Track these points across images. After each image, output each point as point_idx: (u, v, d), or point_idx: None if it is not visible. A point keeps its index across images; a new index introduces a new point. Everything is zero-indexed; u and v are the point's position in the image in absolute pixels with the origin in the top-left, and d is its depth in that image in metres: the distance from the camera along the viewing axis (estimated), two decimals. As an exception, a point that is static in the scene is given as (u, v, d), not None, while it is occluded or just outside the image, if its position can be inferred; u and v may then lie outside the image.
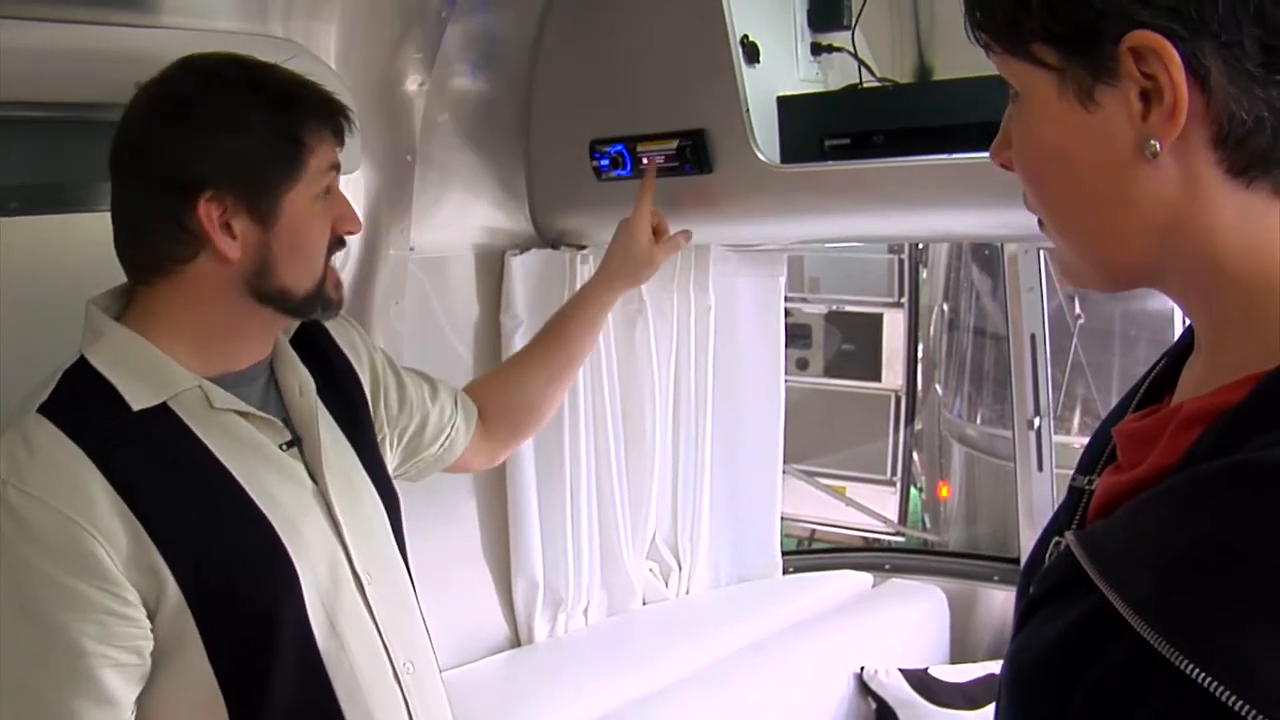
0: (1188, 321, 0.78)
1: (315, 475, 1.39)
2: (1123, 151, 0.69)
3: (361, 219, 2.00)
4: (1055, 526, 0.83)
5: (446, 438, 1.75)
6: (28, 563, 1.18)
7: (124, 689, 1.22)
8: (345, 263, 2.02)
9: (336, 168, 1.37)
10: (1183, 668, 0.56)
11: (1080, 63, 0.69)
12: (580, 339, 1.89)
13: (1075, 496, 0.82)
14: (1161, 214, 0.70)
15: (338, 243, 1.39)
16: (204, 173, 1.28)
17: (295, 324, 1.49)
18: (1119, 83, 0.68)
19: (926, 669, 2.59)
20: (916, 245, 4.71)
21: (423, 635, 1.49)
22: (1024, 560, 2.73)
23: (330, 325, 1.56)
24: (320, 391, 1.46)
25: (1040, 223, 0.79)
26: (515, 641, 2.42)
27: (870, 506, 4.96)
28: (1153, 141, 0.67)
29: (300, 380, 1.44)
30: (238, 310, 1.34)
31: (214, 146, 1.28)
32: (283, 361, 1.44)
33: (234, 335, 1.36)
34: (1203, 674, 0.55)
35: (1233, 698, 0.54)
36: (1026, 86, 0.74)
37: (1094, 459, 0.83)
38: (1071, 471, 0.86)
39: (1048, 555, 0.80)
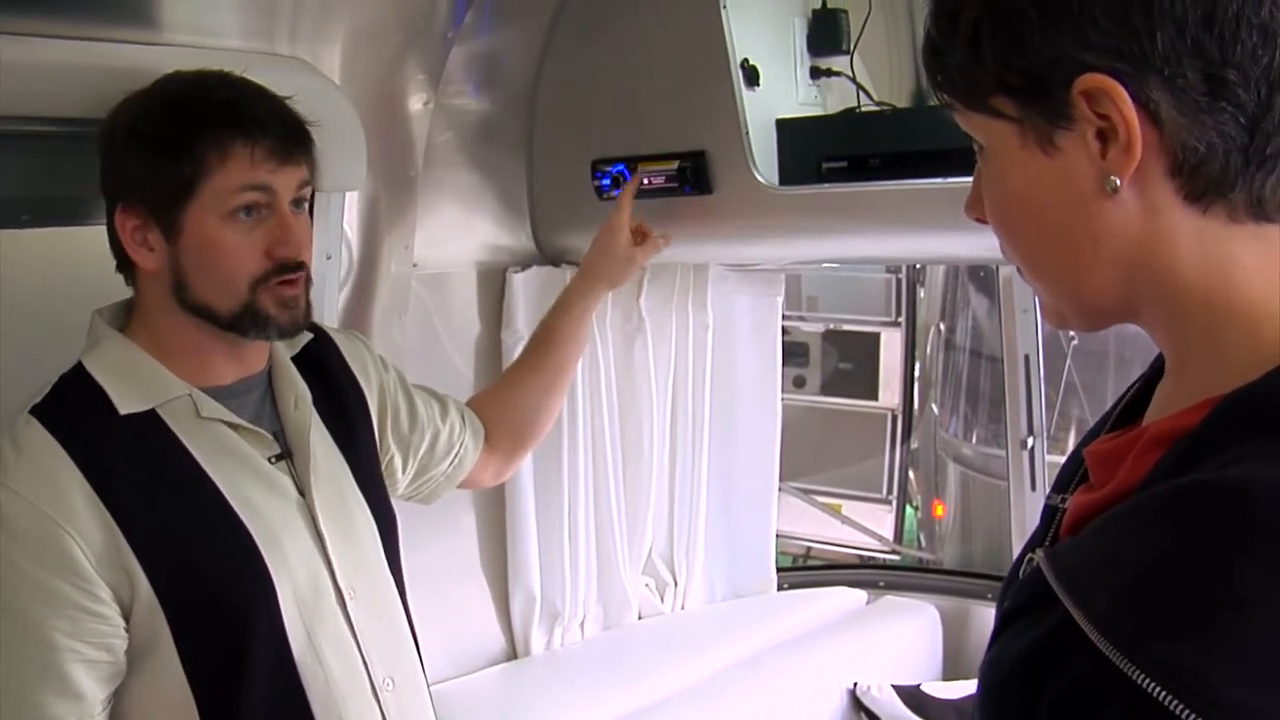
0: None
1: (303, 489, 1.40)
2: (1086, 190, 0.71)
3: (363, 236, 2.06)
4: (1030, 544, 0.86)
5: (456, 455, 1.76)
6: (7, 557, 1.22)
7: (93, 685, 1.25)
8: (347, 279, 2.04)
9: (262, 189, 1.32)
10: (1136, 680, 0.59)
11: (1037, 110, 0.72)
12: (568, 344, 1.90)
13: (1050, 514, 0.84)
14: (1126, 247, 0.72)
15: (281, 266, 1.34)
16: (115, 186, 1.34)
17: (299, 339, 1.50)
18: (1075, 126, 0.70)
19: (919, 685, 2.61)
20: (914, 265, 4.73)
21: (408, 653, 1.50)
22: (1015, 578, 2.76)
23: (341, 343, 1.59)
24: (319, 407, 1.47)
25: (1019, 270, 0.81)
26: (511, 654, 2.43)
27: (866, 525, 4.97)
28: (1112, 178, 0.70)
29: (296, 394, 1.45)
30: (191, 323, 1.35)
31: (119, 160, 1.34)
32: (280, 375, 1.46)
33: (205, 349, 1.37)
34: (1155, 686, 0.58)
35: (1183, 709, 0.57)
36: (989, 139, 0.76)
37: (1068, 478, 0.85)
38: (1059, 491, 0.88)
39: (1021, 571, 0.83)
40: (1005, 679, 0.71)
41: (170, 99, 1.33)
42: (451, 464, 1.76)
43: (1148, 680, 0.58)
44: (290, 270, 1.35)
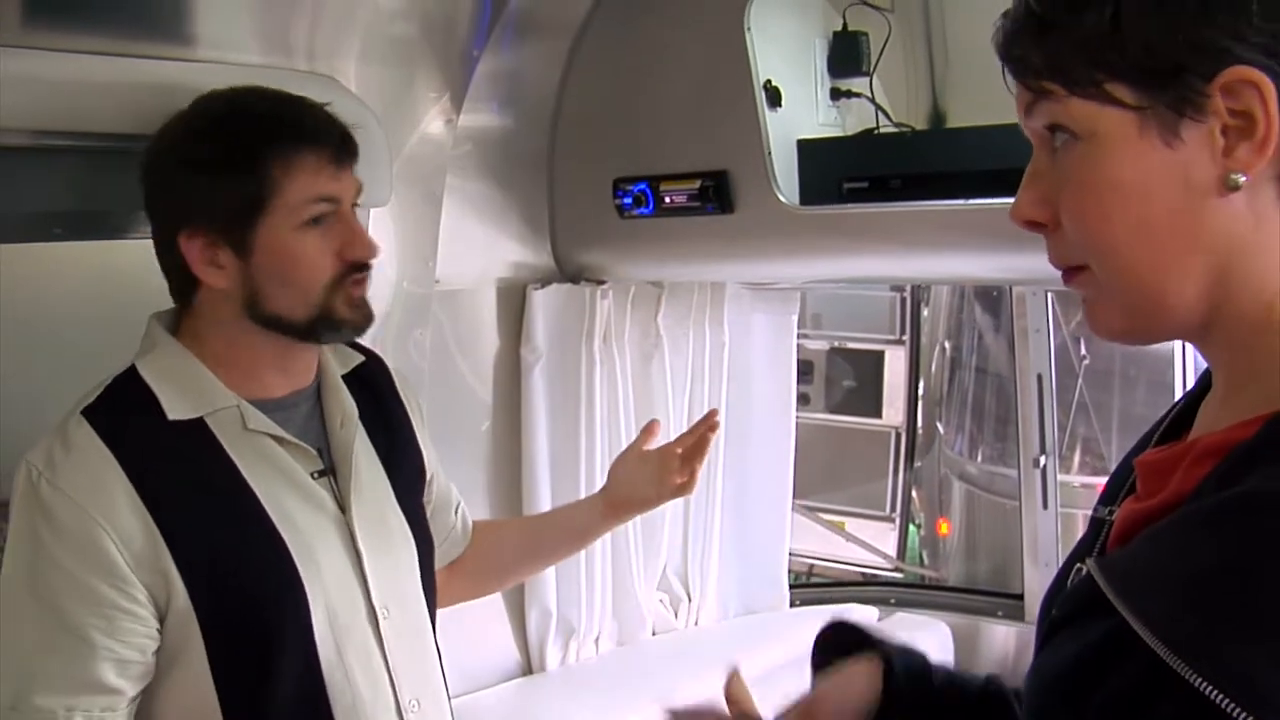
0: (1199, 364, 0.81)
1: (344, 506, 1.40)
2: (1200, 186, 0.70)
3: (387, 252, 2.06)
4: (1077, 554, 0.87)
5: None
6: (49, 553, 1.24)
7: (124, 684, 1.26)
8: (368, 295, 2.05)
9: (329, 199, 1.35)
10: (1194, 683, 0.60)
11: (1165, 100, 0.70)
12: (560, 552, 1.92)
13: (1096, 526, 0.85)
14: (1222, 250, 0.71)
15: (352, 268, 1.37)
16: (177, 212, 1.34)
17: (353, 355, 1.52)
18: (1205, 118, 0.69)
19: (931, 703, 2.61)
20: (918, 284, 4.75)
21: (435, 675, 1.50)
22: (1027, 595, 2.76)
23: (394, 373, 1.59)
24: (366, 425, 1.47)
25: (1068, 273, 0.78)
26: (527, 669, 2.44)
27: (869, 542, 4.98)
28: (1237, 175, 0.69)
29: (344, 412, 1.45)
30: (251, 335, 1.36)
31: (180, 186, 1.34)
32: (329, 391, 1.46)
33: (256, 361, 1.38)
34: (1213, 689, 0.59)
35: (1241, 712, 0.59)
36: (1097, 128, 0.73)
37: (1115, 490, 0.86)
38: (1073, 509, 0.88)
39: (1069, 581, 0.84)
40: (1054, 683, 0.72)
41: (220, 120, 1.34)
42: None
43: (1204, 683, 0.60)
44: (360, 270, 1.38)
